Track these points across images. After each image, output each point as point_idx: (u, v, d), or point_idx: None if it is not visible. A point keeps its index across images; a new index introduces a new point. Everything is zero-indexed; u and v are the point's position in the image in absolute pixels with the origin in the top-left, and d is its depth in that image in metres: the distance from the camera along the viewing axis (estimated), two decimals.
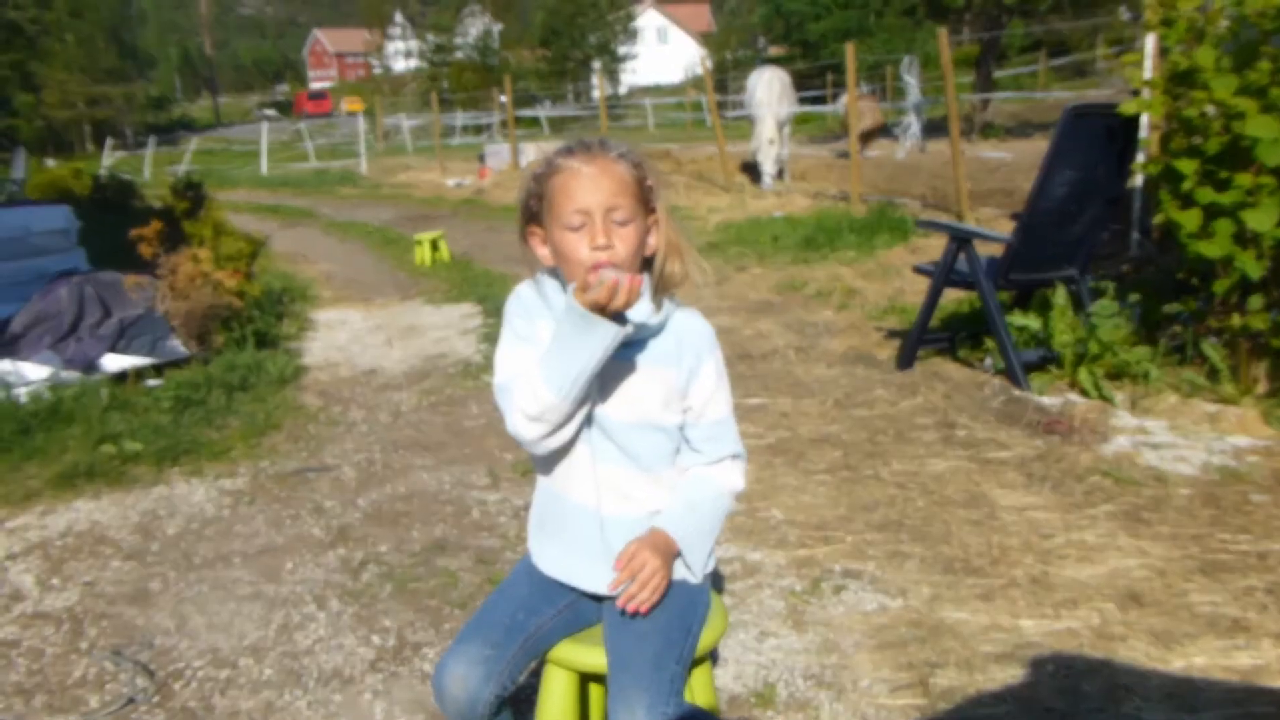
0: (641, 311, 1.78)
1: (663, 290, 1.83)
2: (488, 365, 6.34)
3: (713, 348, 1.88)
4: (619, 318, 1.69)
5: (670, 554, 1.83)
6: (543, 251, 1.83)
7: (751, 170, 14.74)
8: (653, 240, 1.80)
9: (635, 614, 1.82)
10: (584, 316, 1.66)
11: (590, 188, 1.74)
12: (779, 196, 12.88)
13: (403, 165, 25.81)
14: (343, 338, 7.52)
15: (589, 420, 1.82)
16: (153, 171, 31.04)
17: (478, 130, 36.98)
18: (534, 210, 1.82)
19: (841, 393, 5.33)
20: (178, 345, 6.19)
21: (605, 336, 1.67)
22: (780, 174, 14.30)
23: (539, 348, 1.75)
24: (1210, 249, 4.51)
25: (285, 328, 7.57)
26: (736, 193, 13.49)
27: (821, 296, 7.70)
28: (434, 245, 11.06)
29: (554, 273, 1.84)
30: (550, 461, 1.87)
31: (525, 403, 1.73)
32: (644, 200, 1.78)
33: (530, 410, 1.73)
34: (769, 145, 13.79)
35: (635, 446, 1.84)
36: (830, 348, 6.24)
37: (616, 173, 1.76)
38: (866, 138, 16.78)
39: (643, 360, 1.82)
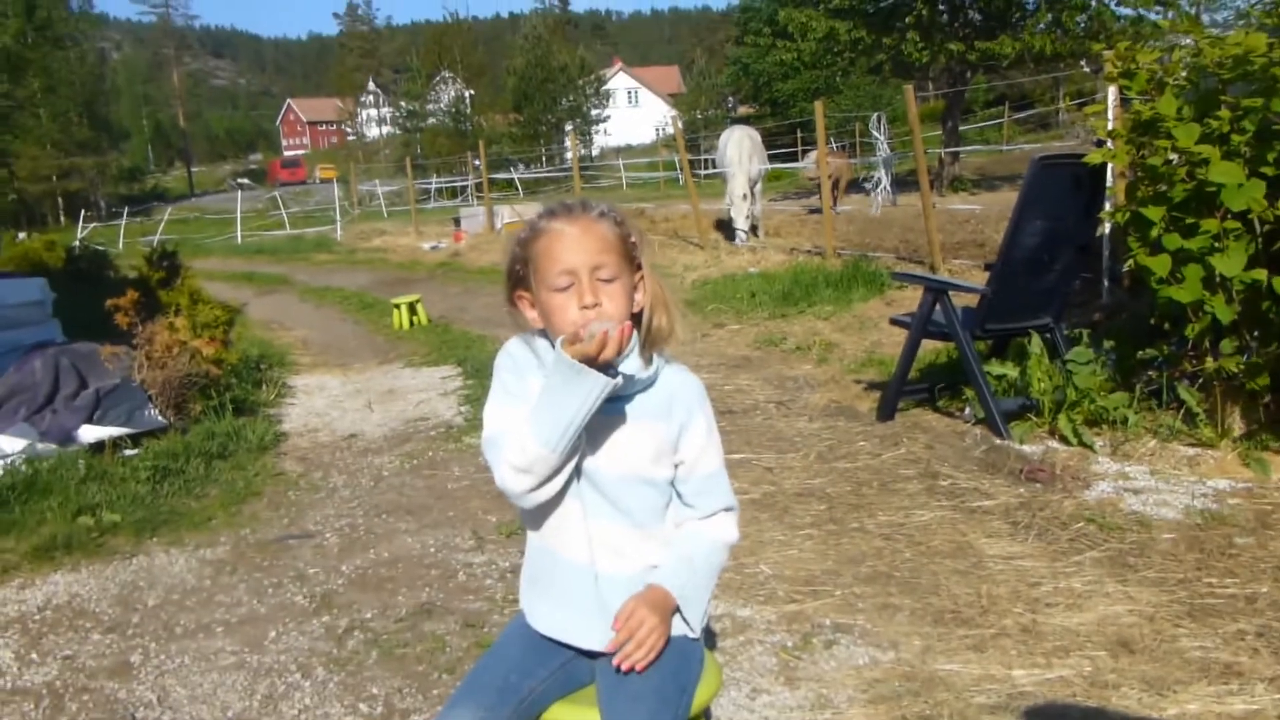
0: (632, 366, 1.81)
1: (652, 345, 1.85)
2: (470, 427, 6.33)
3: (703, 402, 1.91)
4: (609, 370, 1.71)
5: (668, 611, 1.84)
6: (531, 315, 1.85)
7: (725, 228, 14.90)
8: (639, 296, 1.83)
9: (630, 672, 1.81)
10: (573, 367, 1.68)
11: (574, 248, 1.76)
12: (754, 253, 13.01)
13: (378, 230, 26.04)
14: (321, 403, 7.49)
15: (579, 474, 1.82)
16: (126, 242, 31.10)
17: (452, 194, 37.28)
18: (520, 274, 1.84)
19: (824, 446, 5.33)
20: (155, 415, 6.15)
21: (594, 387, 1.69)
22: (754, 230, 14.46)
23: (528, 403, 1.76)
24: (1181, 294, 4.57)
25: (263, 394, 7.54)
26: (711, 250, 13.63)
27: (800, 351, 7.74)
28: (411, 309, 11.11)
29: (543, 334, 1.85)
30: (540, 517, 1.87)
31: (513, 455, 1.74)
32: (629, 257, 1.81)
33: (518, 462, 1.74)
34: (742, 202, 13.96)
35: (626, 501, 1.84)
36: (811, 401, 6.26)
37: (599, 231, 1.79)
38: (838, 193, 17.00)
39: (633, 414, 1.83)
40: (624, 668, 1.78)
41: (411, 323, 10.97)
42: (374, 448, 6.11)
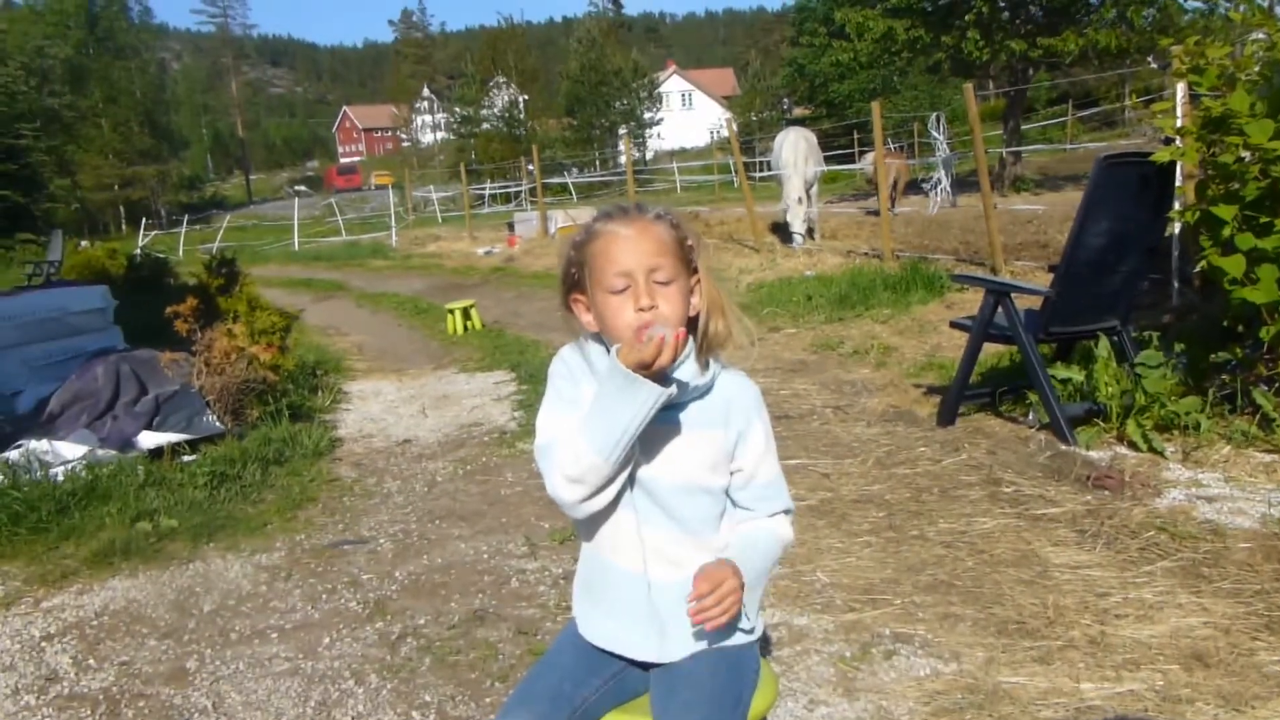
0: (687, 372, 1.79)
1: (708, 351, 1.84)
2: (523, 432, 6.33)
3: (760, 408, 1.90)
4: (664, 379, 1.70)
5: (740, 583, 1.81)
6: (586, 318, 1.84)
7: (781, 230, 14.79)
8: (695, 300, 1.81)
9: (684, 678, 1.78)
10: (627, 376, 1.67)
11: (631, 250, 1.76)
12: (810, 255, 12.83)
13: (432, 236, 26.01)
14: (376, 409, 7.54)
15: (633, 483, 1.81)
16: (186, 249, 31.64)
17: (506, 199, 37.43)
18: (575, 278, 1.84)
19: (883, 451, 5.26)
20: (213, 421, 6.23)
21: (649, 396, 1.68)
22: (810, 233, 14.36)
23: (582, 410, 1.75)
24: (1256, 295, 4.45)
25: (319, 400, 7.60)
26: (767, 253, 13.46)
27: (858, 355, 7.63)
28: (465, 314, 11.17)
29: (598, 339, 1.85)
30: (593, 526, 1.86)
31: (566, 464, 1.73)
32: (685, 260, 1.80)
33: (571, 472, 1.73)
34: (797, 205, 13.85)
35: (681, 510, 1.83)
36: (869, 406, 6.18)
37: (655, 233, 1.78)
38: (895, 194, 16.79)
39: (689, 422, 1.82)
40: (696, 621, 1.76)
41: (466, 328, 11.01)
42: (428, 453, 6.13)
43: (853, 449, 5.36)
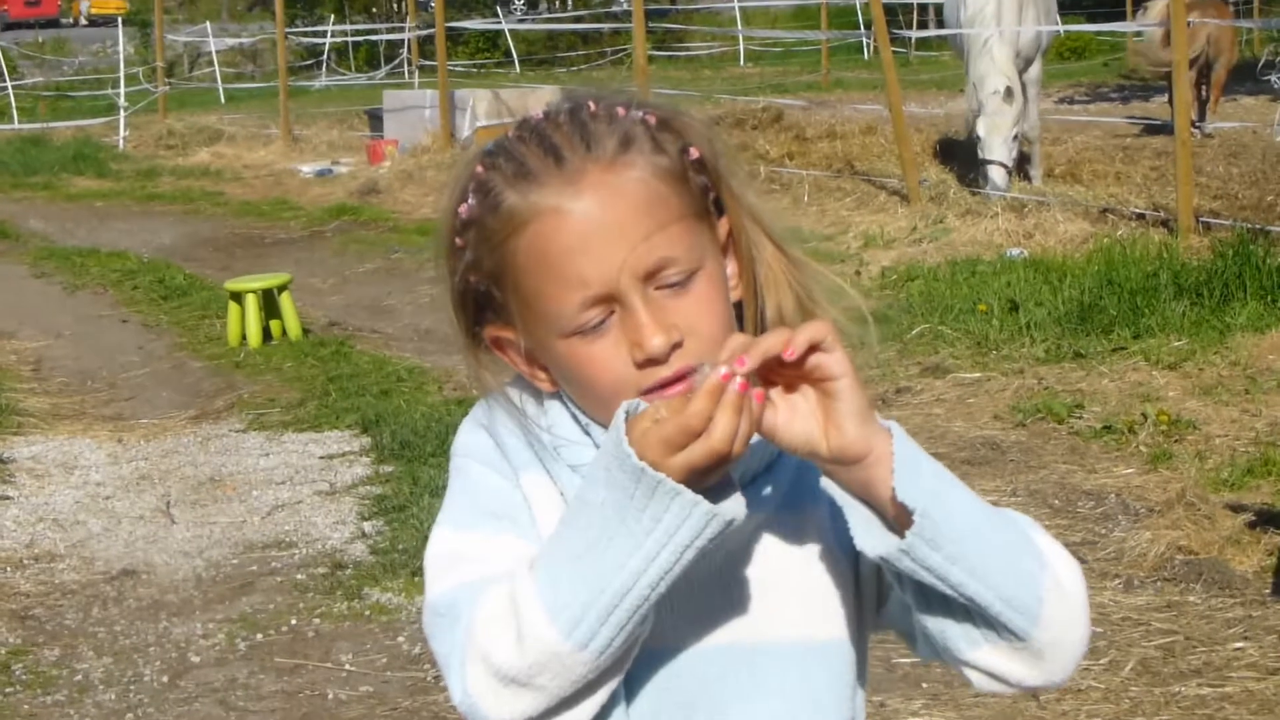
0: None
1: None
2: (382, 567, 4.22)
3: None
4: (723, 486, 1.07)
5: (867, 413, 1.08)
6: (529, 370, 1.23)
7: (961, 156, 9.33)
8: (731, 269, 1.21)
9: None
10: (653, 480, 1.04)
11: (601, 246, 1.14)
12: (1019, 214, 8.21)
13: (207, 132, 16.60)
14: (66, 499, 5.01)
15: (652, 662, 1.19)
16: None
17: (368, 59, 23.32)
18: (486, 296, 1.21)
19: (1155, 646, 3.51)
20: None
21: (697, 525, 1.05)
22: (1022, 166, 9.10)
23: (527, 538, 1.19)
24: None
25: None
26: (927, 204, 8.74)
27: (1111, 435, 4.99)
28: (267, 304, 7.10)
29: (551, 396, 1.24)
30: None
31: (496, 647, 1.11)
32: (701, 205, 1.19)
33: (508, 664, 1.11)
34: (1001, 104, 8.50)
35: (765, 711, 1.21)
36: (1132, 548, 4.09)
37: (635, 190, 1.15)
38: (1209, 91, 10.50)
39: (766, 509, 1.20)
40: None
41: (268, 333, 7.08)
42: (174, 603, 4.08)
43: (1093, 639, 3.22)
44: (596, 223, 1.17)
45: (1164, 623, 3.70)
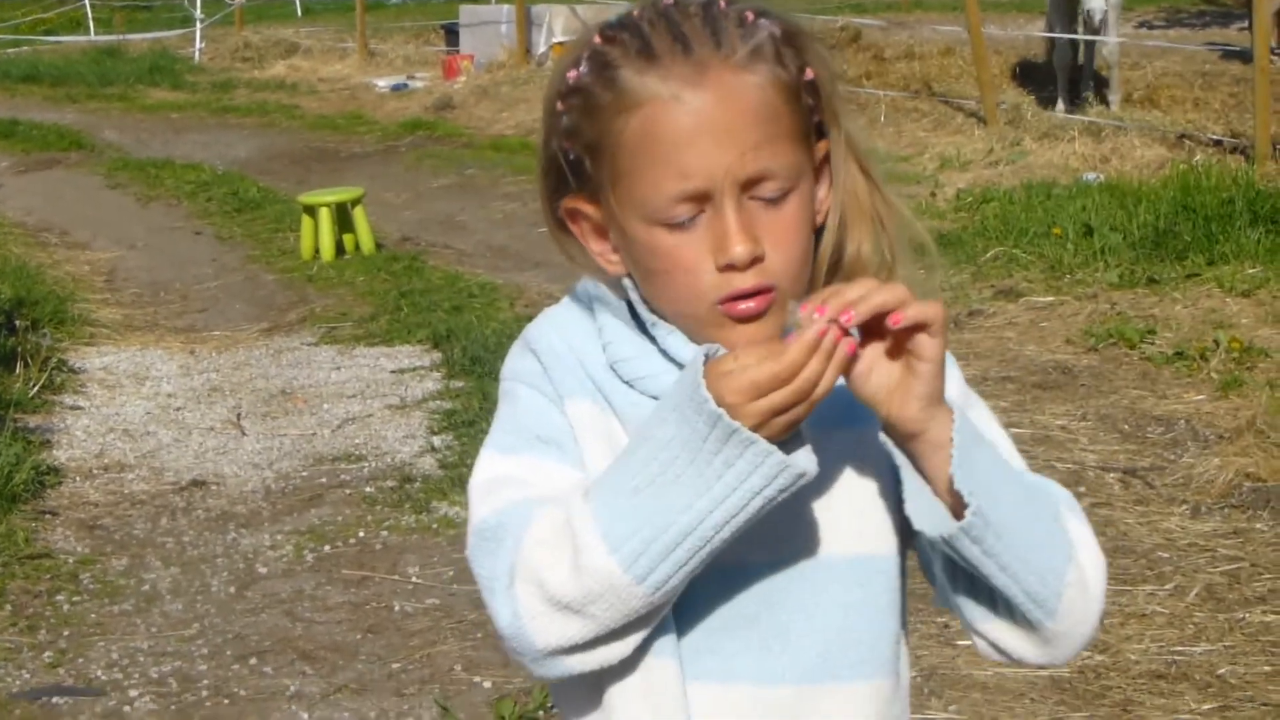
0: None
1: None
2: (452, 482, 4.24)
3: (953, 369, 1.21)
4: (795, 437, 1.09)
5: (937, 397, 1.12)
6: (599, 248, 1.23)
7: (1038, 78, 9.78)
8: (822, 194, 1.21)
9: None
10: (729, 428, 1.05)
11: (710, 144, 1.13)
12: (1096, 138, 8.43)
13: (283, 45, 17.01)
14: (137, 409, 5.06)
15: (717, 577, 1.18)
16: None
17: None
18: (576, 165, 1.20)
19: (1221, 572, 3.56)
20: None
21: (768, 474, 1.07)
22: (1100, 90, 9.36)
23: (584, 461, 1.19)
24: None
25: (17, 385, 5.04)
26: (1004, 127, 8.91)
27: (1183, 361, 5.04)
28: (341, 217, 7.28)
29: (622, 289, 1.23)
30: (594, 694, 1.21)
31: (548, 573, 1.11)
32: (805, 129, 1.18)
33: (559, 589, 1.11)
34: (1082, 26, 8.83)
35: (814, 625, 1.22)
36: (1200, 473, 4.11)
37: (752, 96, 1.14)
38: None
39: (812, 425, 1.13)
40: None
41: (341, 247, 7.27)
42: (243, 514, 4.14)
43: (1157, 564, 3.61)
44: (710, 120, 1.17)
45: (1230, 549, 3.73)
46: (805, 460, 1.09)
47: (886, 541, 1.27)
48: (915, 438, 1.12)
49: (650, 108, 1.16)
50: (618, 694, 1.24)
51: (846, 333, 1.07)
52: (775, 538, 1.22)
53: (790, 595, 1.24)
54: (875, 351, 1.12)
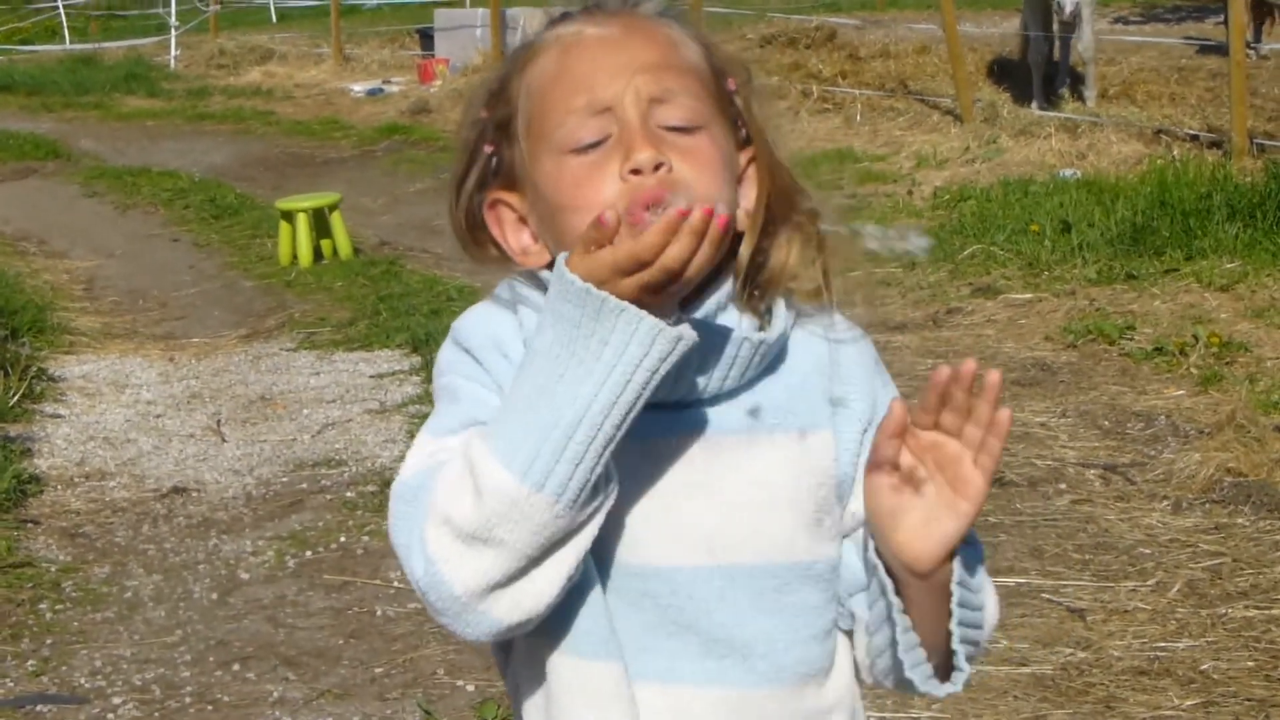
0: (728, 318, 1.20)
1: (768, 287, 1.23)
2: None
3: (883, 374, 1.29)
4: (677, 312, 1.11)
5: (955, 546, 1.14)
6: (520, 240, 1.24)
7: (1014, 77, 9.77)
8: (747, 194, 1.21)
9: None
10: (594, 299, 1.04)
11: (609, 59, 1.18)
12: (1072, 134, 8.49)
13: (258, 51, 16.97)
14: (118, 418, 5.11)
15: (611, 579, 1.20)
16: None
17: None
18: (493, 155, 1.23)
19: (1203, 569, 3.60)
20: None
21: (646, 339, 1.04)
22: (1076, 86, 9.45)
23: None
24: None
25: None
26: (980, 124, 8.91)
27: (1162, 357, 5.08)
28: (318, 222, 7.33)
29: (536, 279, 1.22)
30: (542, 683, 1.22)
31: (455, 506, 1.08)
32: (723, 109, 1.21)
33: (462, 518, 1.08)
34: (1057, 23, 8.99)
35: (757, 631, 1.21)
36: (1180, 469, 4.15)
37: (661, 40, 1.20)
38: (1274, 12, 10.56)
39: (741, 427, 1.20)
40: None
41: (319, 252, 7.33)
42: (224, 519, 4.19)
43: (1138, 559, 3.66)
44: (615, 42, 1.20)
45: (1211, 544, 3.78)
46: (682, 327, 1.06)
47: (830, 548, 1.26)
48: (926, 577, 1.14)
49: (555, 46, 1.21)
50: (565, 696, 1.23)
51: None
52: (708, 542, 1.22)
53: (726, 601, 1.23)
54: (935, 501, 1.13)
